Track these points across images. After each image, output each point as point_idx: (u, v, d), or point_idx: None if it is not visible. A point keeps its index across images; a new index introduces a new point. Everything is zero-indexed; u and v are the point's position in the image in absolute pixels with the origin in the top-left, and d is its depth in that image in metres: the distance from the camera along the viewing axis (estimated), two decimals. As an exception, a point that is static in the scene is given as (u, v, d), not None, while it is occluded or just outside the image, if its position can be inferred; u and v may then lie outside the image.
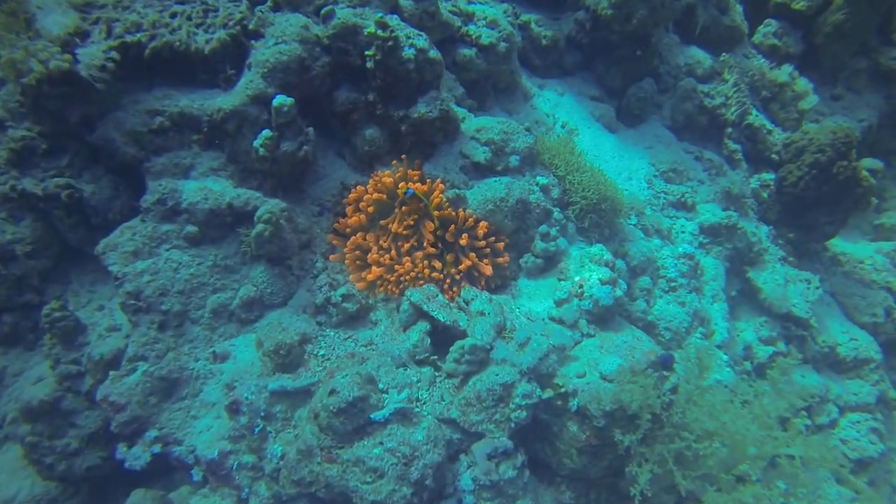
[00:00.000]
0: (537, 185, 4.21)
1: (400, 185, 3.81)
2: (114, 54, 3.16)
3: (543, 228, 4.06)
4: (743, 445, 2.90)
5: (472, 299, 3.58)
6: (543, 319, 3.67)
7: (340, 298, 3.76)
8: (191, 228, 3.52)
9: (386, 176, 3.93)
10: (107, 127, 3.44)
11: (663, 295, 4.70)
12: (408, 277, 3.74)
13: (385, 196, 3.88)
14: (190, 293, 3.48)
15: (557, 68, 6.11)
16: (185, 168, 3.66)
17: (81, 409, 3.41)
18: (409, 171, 3.95)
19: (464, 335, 3.38)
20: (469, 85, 4.99)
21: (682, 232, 5.39)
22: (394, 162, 4.00)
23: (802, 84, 5.94)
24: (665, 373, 2.98)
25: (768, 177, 5.96)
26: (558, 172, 4.36)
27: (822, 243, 6.01)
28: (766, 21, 6.68)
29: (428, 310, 3.45)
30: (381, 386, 3.20)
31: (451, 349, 3.24)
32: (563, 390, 3.16)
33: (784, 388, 2.92)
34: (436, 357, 3.49)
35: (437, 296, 3.62)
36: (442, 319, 3.39)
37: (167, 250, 3.54)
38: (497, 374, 3.11)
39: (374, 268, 3.78)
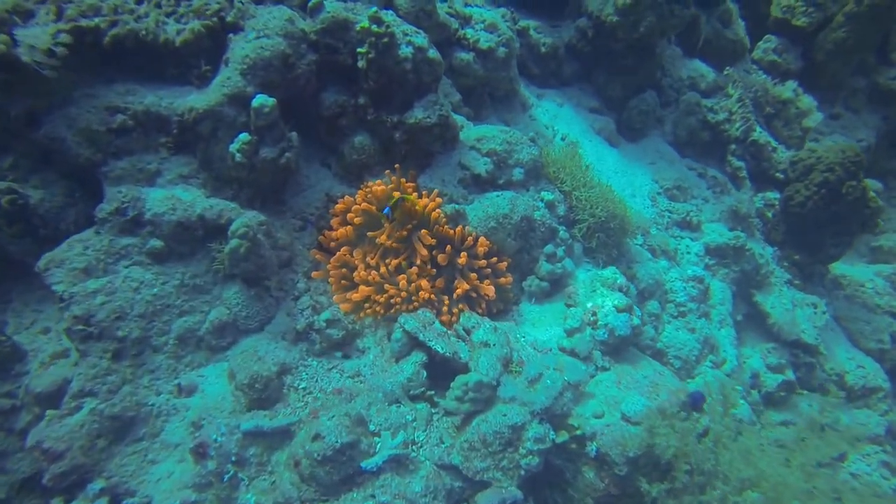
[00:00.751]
0: (542, 200, 3.87)
1: (393, 195, 3.42)
2: (64, 37, 2.72)
3: (549, 248, 3.71)
4: (785, 498, 2.56)
5: (474, 327, 3.19)
6: (551, 350, 3.30)
7: (325, 324, 3.34)
8: (155, 243, 3.07)
9: (377, 185, 3.54)
10: (56, 124, 2.99)
11: (672, 321, 4.38)
12: (398, 299, 3.34)
13: (375, 207, 3.49)
14: (152, 317, 3.02)
15: (555, 78, 5.83)
16: (150, 174, 3.21)
17: (13, 451, 2.90)
18: (403, 182, 3.57)
19: (465, 368, 2.99)
20: (465, 92, 4.65)
21: (688, 253, 5.10)
22: (386, 172, 3.61)
23: (807, 101, 5.76)
24: (695, 414, 2.64)
25: (772, 196, 5.74)
26: (564, 187, 4.03)
27: (825, 266, 5.79)
28: (766, 37, 6.53)
29: (424, 339, 3.05)
30: (372, 427, 2.78)
31: (452, 385, 2.84)
32: (579, 432, 2.78)
33: (829, 432, 2.59)
34: (433, 392, 3.09)
35: (434, 322, 3.23)
36: (440, 351, 3.00)
37: (126, 267, 3.07)
38: (505, 415, 2.72)
39: (361, 287, 3.37)
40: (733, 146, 5.76)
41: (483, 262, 3.40)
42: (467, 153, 3.77)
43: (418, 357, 3.10)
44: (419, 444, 2.84)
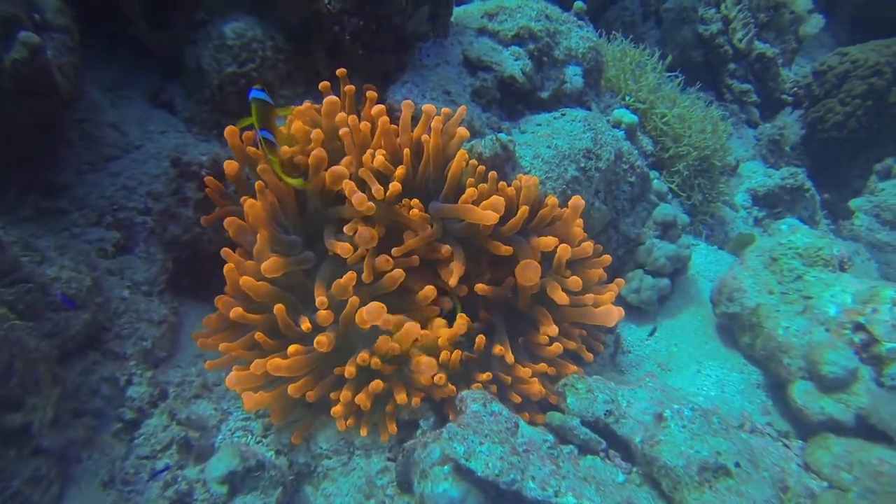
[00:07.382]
0: (621, 125, 2.03)
1: (337, 120, 1.38)
2: None
3: (665, 210, 1.89)
4: None
5: (619, 415, 1.26)
6: (767, 429, 1.49)
7: (223, 491, 1.20)
8: None
9: (306, 109, 1.46)
10: None
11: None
12: (400, 391, 1.30)
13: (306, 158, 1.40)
14: None
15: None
16: None
17: None
18: (370, 97, 1.50)
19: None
20: None
21: (731, 206, 3.63)
22: (322, 86, 1.50)
23: (802, 2, 4.61)
24: None
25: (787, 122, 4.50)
26: (636, 104, 2.23)
27: (846, 202, 4.72)
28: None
29: (541, 496, 1.05)
30: None
31: None
32: None
33: None
34: None
35: (519, 426, 1.24)
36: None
37: None
38: None
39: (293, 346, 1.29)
40: (732, 66, 4.42)
41: (588, 248, 1.46)
42: (475, 41, 1.80)
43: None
44: None
